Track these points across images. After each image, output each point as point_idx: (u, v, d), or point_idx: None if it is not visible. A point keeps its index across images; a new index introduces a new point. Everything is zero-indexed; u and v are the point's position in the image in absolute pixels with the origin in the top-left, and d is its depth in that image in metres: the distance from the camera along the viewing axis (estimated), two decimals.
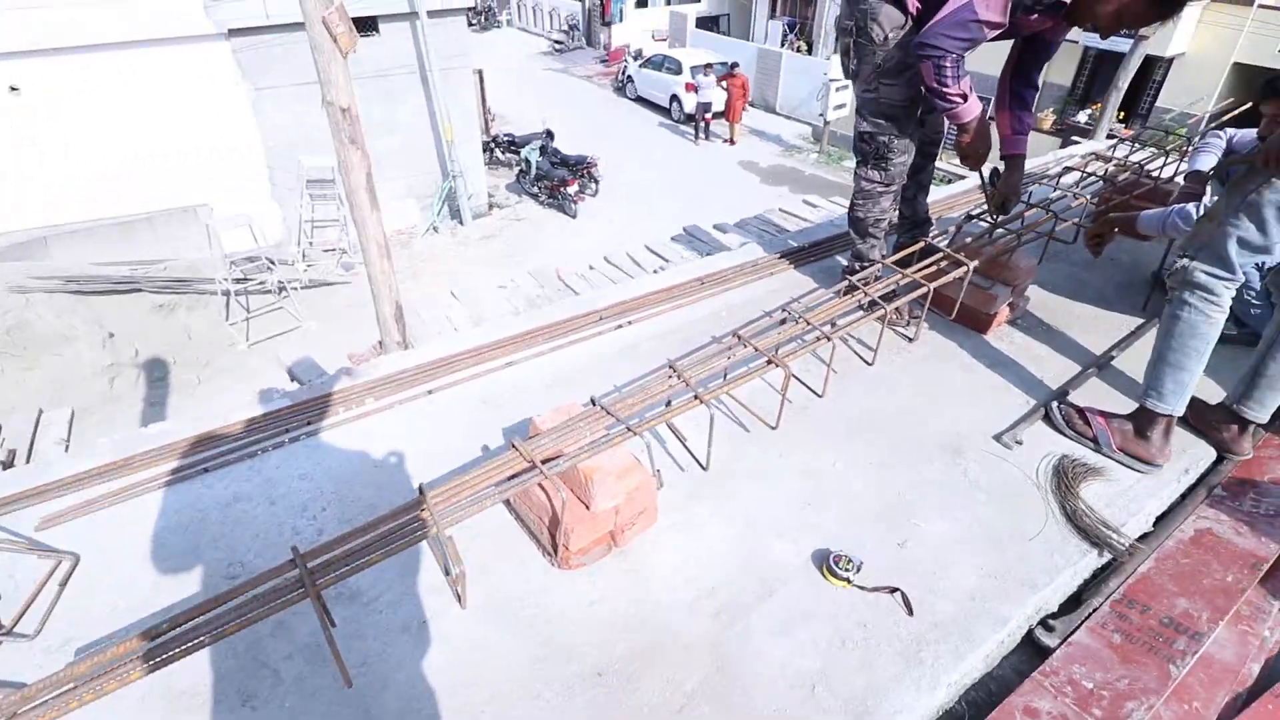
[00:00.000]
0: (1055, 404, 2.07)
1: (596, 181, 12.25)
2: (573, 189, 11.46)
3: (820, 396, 2.17)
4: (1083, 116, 13.70)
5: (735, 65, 14.86)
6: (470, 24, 25.86)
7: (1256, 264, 2.18)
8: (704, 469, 1.88)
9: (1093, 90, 13.80)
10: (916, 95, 2.27)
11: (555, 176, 11.61)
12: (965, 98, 2.07)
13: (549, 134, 12.78)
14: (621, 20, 22.78)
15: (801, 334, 2.17)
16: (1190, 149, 2.86)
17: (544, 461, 1.56)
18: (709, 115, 15.25)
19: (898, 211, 2.72)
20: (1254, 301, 2.37)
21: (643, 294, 2.68)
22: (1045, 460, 1.94)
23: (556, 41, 23.94)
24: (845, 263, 2.73)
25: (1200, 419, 2.03)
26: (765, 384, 2.18)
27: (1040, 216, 2.63)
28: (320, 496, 1.82)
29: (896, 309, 2.41)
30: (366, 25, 9.64)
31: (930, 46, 1.98)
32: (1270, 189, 1.56)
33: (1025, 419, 2.07)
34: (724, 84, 14.54)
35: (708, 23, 21.76)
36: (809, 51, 19.19)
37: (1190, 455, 1.98)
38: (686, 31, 20.54)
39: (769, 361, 1.91)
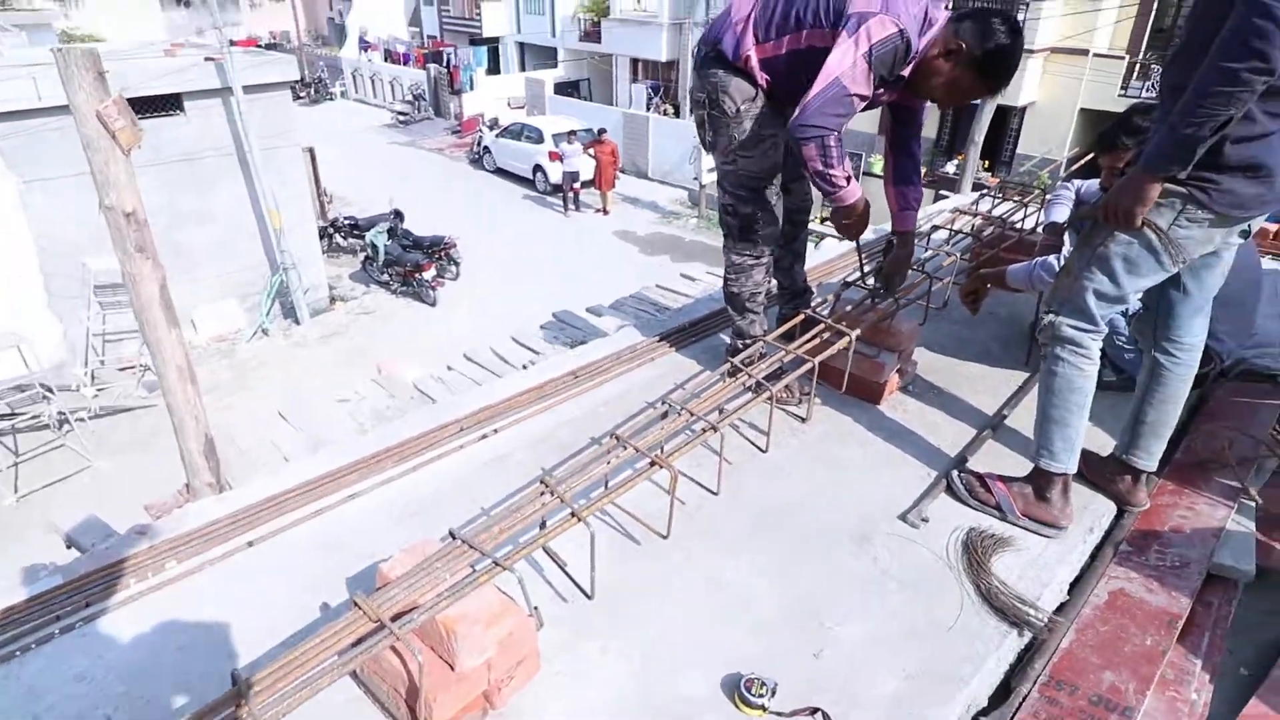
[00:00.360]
0: (956, 473, 2.22)
1: (456, 264, 12.28)
2: (429, 274, 11.41)
3: (715, 494, 2.21)
4: (951, 167, 15.47)
5: (603, 131, 15.67)
6: (298, 97, 25.83)
7: (1121, 311, 2.48)
8: (589, 598, 1.84)
9: (957, 140, 15.65)
10: (776, 165, 2.48)
11: (408, 261, 11.53)
12: (849, 180, 2.27)
13: (397, 214, 12.76)
14: (472, 88, 23.61)
15: (687, 425, 2.22)
16: (1046, 200, 3.28)
17: (395, 618, 1.47)
18: (577, 185, 15.85)
19: (776, 282, 2.91)
20: (1126, 347, 2.69)
21: (509, 396, 2.67)
22: (953, 536, 2.06)
23: (400, 113, 24.35)
24: (729, 340, 2.86)
25: (1095, 472, 2.24)
26: (654, 486, 2.19)
27: (916, 278, 2.89)
28: (104, 701, 1.61)
29: (786, 387, 2.53)
30: (168, 104, 9.39)
31: (811, 127, 2.13)
32: (1115, 241, 1.81)
33: (928, 493, 2.20)
34: (591, 151, 15.23)
35: (567, 88, 22.97)
36: (676, 114, 20.61)
37: (1092, 512, 2.16)
38: (545, 98, 21.54)
39: (653, 463, 1.93)
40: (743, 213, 2.53)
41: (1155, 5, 13.87)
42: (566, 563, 1.89)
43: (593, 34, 22.49)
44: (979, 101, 11.31)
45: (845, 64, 2.07)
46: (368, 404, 3.11)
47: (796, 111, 2.15)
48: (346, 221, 13.19)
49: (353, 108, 27.26)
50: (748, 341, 2.68)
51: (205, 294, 10.21)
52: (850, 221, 2.38)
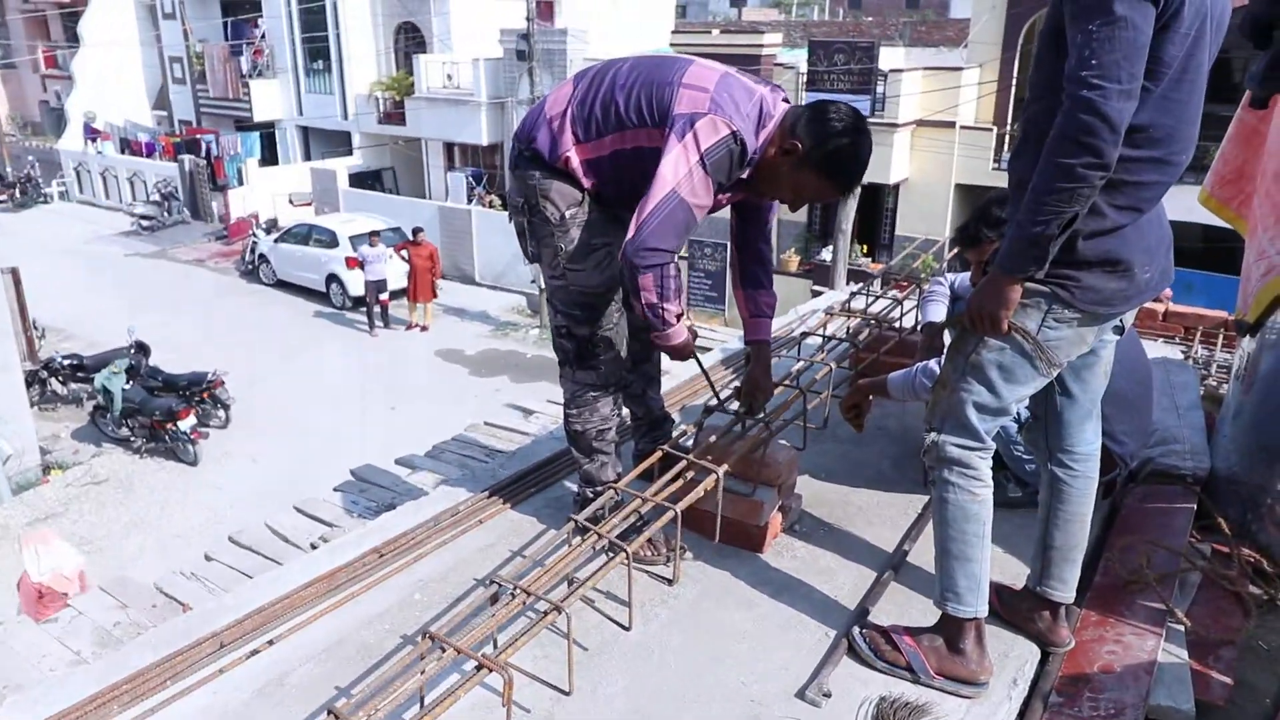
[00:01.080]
0: (857, 630, 2.30)
1: (225, 407, 11.79)
2: (187, 423, 10.83)
3: (568, 694, 2.15)
4: (827, 254, 16.81)
5: (419, 231, 15.79)
6: None
7: (1016, 419, 2.74)
8: None
9: (830, 224, 17.11)
10: (614, 277, 2.59)
11: (156, 408, 10.91)
12: (679, 318, 2.43)
13: (140, 348, 12.17)
14: (242, 183, 23.40)
15: (527, 608, 2.18)
16: (920, 297, 3.62)
17: None
18: (385, 296, 15.78)
19: (628, 412, 2.99)
20: (1025, 457, 2.95)
21: (290, 591, 2.54)
22: (862, 710, 2.10)
23: (144, 216, 23.65)
24: (576, 489, 2.88)
25: (1010, 610, 2.39)
26: (489, 693, 2.11)
27: (789, 394, 3.06)
28: None
29: (650, 542, 2.56)
30: None
31: (651, 252, 2.25)
32: (987, 348, 2.02)
33: (829, 659, 2.25)
34: (405, 254, 15.26)
35: (366, 179, 23.27)
36: (504, 206, 21.19)
37: (1014, 660, 2.29)
38: (338, 192, 21.67)
39: (480, 666, 1.87)
40: (579, 335, 2.61)
41: (1015, 78, 16.13)
42: None
43: (395, 115, 23.09)
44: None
45: (680, 173, 2.22)
46: (87, 622, 2.83)
47: (631, 232, 2.26)
48: (66, 362, 12.40)
49: (77, 212, 26.15)
50: (598, 489, 2.70)
51: None
52: (679, 360, 2.57)
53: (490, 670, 1.87)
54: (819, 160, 2.28)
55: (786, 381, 3.13)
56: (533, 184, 2.48)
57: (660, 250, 2.26)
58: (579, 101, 2.41)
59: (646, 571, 2.59)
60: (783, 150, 2.30)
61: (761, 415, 2.80)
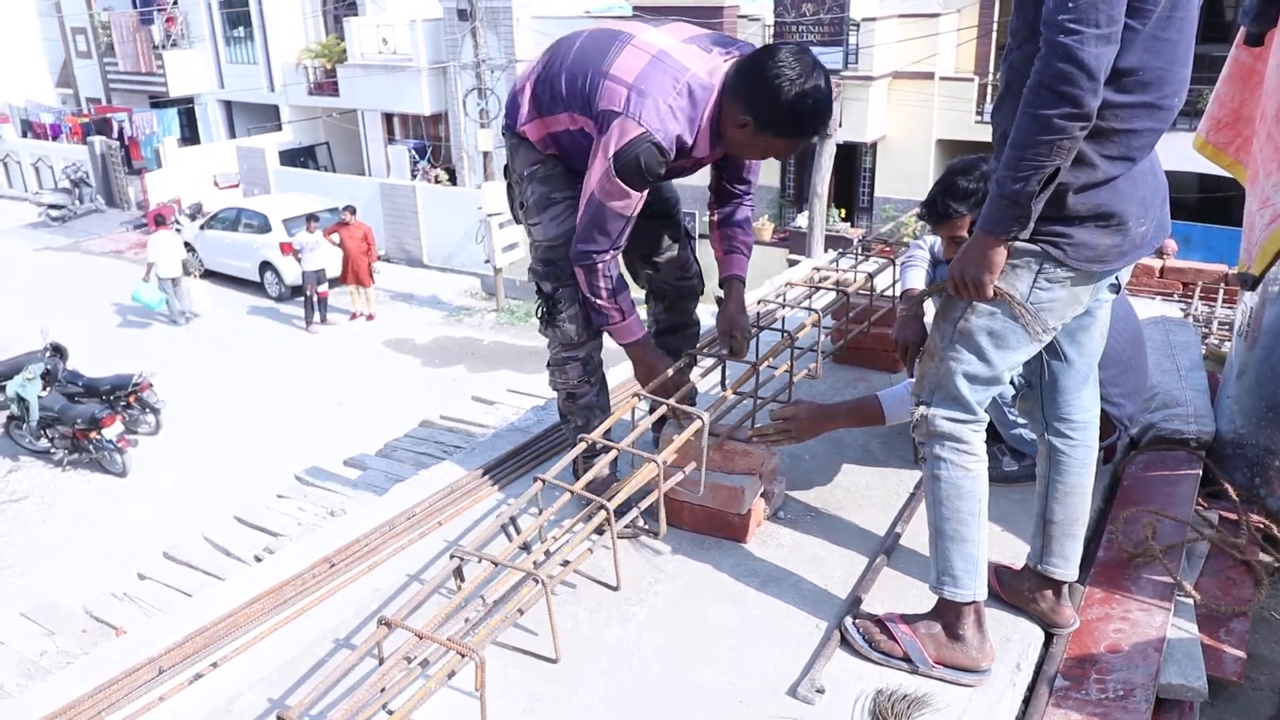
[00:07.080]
0: (850, 620, 2.33)
1: (154, 412, 11.63)
2: (113, 430, 10.65)
3: (555, 661, 2.21)
4: (802, 220, 16.87)
5: (350, 210, 15.49)
6: None
7: (1013, 385, 2.77)
8: None
9: (804, 188, 17.18)
10: (572, 229, 2.68)
11: (77, 416, 10.73)
12: (622, 314, 2.66)
13: (56, 350, 11.95)
14: (160, 165, 23.00)
15: (496, 600, 2.18)
16: (899, 264, 3.62)
17: None
18: (325, 288, 15.52)
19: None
20: (1020, 423, 2.98)
21: (234, 608, 2.52)
22: (858, 705, 2.13)
23: (53, 206, 23.19)
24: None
25: (1010, 591, 2.43)
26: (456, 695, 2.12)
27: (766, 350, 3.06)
28: None
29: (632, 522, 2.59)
30: None
31: (581, 253, 2.58)
32: (976, 313, 2.04)
33: (820, 653, 2.28)
34: (336, 237, 15.01)
35: (298, 156, 22.94)
36: (452, 180, 21.08)
37: (1016, 644, 2.33)
38: (268, 171, 21.37)
39: (460, 655, 1.88)
40: (545, 291, 2.82)
41: (996, 22, 16.23)
42: None
43: (327, 85, 22.78)
44: (816, 145, 12.52)
45: (597, 175, 2.45)
46: (11, 653, 2.79)
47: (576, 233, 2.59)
48: None
49: None
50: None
51: None
52: (641, 373, 2.74)
53: (462, 656, 1.88)
54: (773, 125, 2.38)
55: (773, 325, 3.16)
56: (509, 146, 2.76)
57: (587, 251, 2.56)
58: (537, 76, 2.61)
59: (633, 529, 2.66)
60: (737, 125, 2.41)
61: (741, 354, 2.85)
